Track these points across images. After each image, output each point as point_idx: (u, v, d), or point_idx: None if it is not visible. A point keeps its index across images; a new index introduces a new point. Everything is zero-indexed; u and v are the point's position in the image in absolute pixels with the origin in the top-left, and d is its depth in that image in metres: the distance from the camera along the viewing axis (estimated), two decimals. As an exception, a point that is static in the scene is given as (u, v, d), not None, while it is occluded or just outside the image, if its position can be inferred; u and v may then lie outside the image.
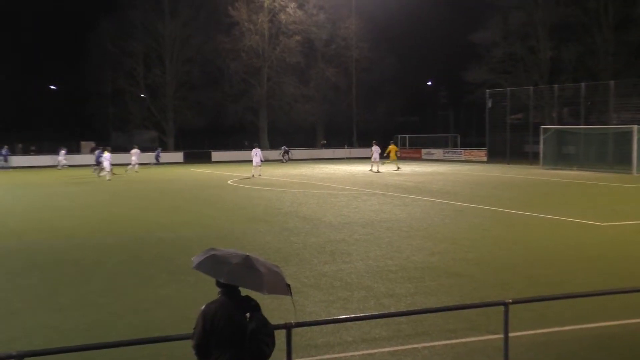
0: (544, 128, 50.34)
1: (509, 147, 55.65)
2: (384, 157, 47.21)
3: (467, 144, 67.59)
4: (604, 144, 48.15)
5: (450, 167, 51.14)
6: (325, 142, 74.95)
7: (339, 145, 71.18)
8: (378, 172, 44.30)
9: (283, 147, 61.61)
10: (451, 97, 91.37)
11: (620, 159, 44.70)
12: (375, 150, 46.28)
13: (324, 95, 73.28)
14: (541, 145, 49.43)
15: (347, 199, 27.59)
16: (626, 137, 43.66)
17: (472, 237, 17.87)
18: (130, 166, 47.09)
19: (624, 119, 51.89)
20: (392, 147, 47.31)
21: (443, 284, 12.56)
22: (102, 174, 41.41)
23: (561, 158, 48.94)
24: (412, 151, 66.28)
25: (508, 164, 53.26)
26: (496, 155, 56.14)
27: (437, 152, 64.31)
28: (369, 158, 48.38)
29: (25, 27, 76.88)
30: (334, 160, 63.52)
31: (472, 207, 24.81)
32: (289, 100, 70.72)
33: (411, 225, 20.09)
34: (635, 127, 42.86)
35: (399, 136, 70.51)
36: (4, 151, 55.27)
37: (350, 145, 72.20)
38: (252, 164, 42.14)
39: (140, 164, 49.00)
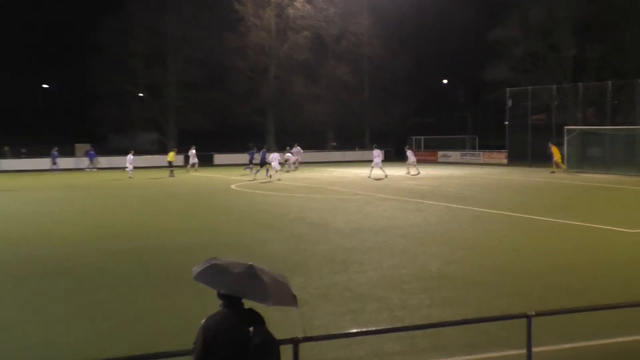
0: (567, 129, 50.13)
1: (531, 149, 55.43)
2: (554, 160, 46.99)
3: (485, 146, 67.36)
4: (632, 145, 47.82)
5: (467, 170, 50.99)
6: (335, 144, 74.84)
7: (350, 147, 71.05)
8: (418, 174, 44.82)
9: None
10: (469, 97, 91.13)
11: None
12: (411, 154, 46.66)
13: (334, 94, 73.17)
14: (565, 147, 49.22)
15: (358, 205, 27.52)
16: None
17: (491, 244, 17.77)
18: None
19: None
20: (555, 149, 47.28)
21: (460, 295, 12.47)
22: (269, 173, 43.46)
23: (586, 161, 48.71)
24: (427, 154, 66.08)
25: (529, 166, 53.01)
26: (517, 158, 55.93)
27: (454, 155, 64.13)
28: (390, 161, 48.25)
29: (22, 26, 77.16)
30: (345, 163, 63.41)
31: (491, 212, 24.70)
32: (298, 100, 70.58)
33: (426, 231, 20.02)
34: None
35: (414, 138, 70.29)
36: (54, 152, 54.68)
37: (362, 147, 72.10)
38: (371, 164, 43.84)
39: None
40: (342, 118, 75.11)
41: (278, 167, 43.47)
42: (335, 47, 72.99)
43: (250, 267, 5.32)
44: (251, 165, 46.87)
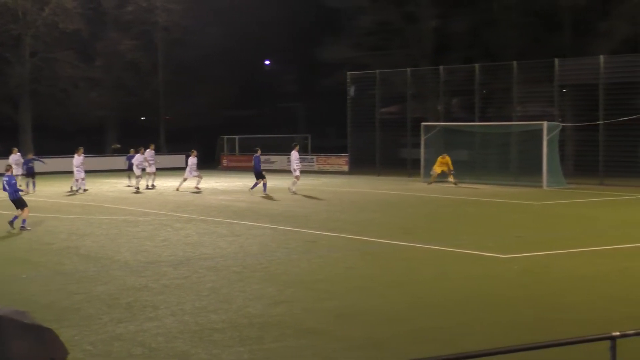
0: (425, 126, 51.76)
1: (380, 153, 56.84)
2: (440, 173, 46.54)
3: (321, 148, 68.58)
4: (506, 147, 50.15)
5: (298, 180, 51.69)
6: (119, 146, 73.71)
7: (140, 150, 70.22)
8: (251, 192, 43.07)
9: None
10: (300, 83, 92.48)
11: (526, 168, 46.77)
12: (262, 161, 45.77)
13: (116, 78, 72.11)
14: (422, 150, 50.80)
15: (151, 228, 27.34)
16: (534, 137, 45.71)
17: (331, 279, 18.06)
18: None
19: (532, 113, 54.42)
20: (443, 160, 46.65)
21: (291, 346, 12.57)
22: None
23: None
24: (244, 158, 66.42)
25: (378, 175, 54.39)
26: (362, 164, 57.21)
27: (280, 160, 64.81)
28: (184, 169, 47.83)
29: None
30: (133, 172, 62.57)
31: (331, 236, 25.14)
32: (65, 86, 69.02)
33: (244, 263, 20.09)
34: (545, 123, 44.94)
35: (226, 137, 70.44)
36: None
37: (156, 150, 71.46)
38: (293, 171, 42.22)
39: None
40: (128, 110, 74.17)
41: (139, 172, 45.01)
42: (117, 14, 71.93)
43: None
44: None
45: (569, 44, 55.23)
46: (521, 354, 8.62)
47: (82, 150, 44.01)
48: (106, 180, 51.76)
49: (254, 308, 15.16)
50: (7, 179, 27.04)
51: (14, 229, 26.63)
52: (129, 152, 50.89)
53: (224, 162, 68.69)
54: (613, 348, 8.07)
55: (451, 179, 46.30)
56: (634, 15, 51.16)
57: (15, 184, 27.70)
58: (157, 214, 31.78)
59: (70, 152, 47.16)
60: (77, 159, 43.06)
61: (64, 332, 13.00)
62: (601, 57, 46.55)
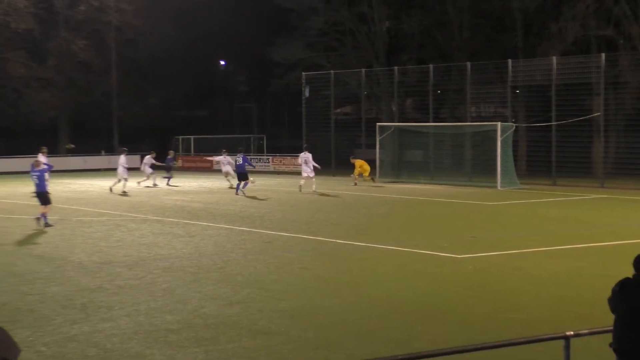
0: (380, 126, 51.95)
1: (335, 153, 56.94)
2: (360, 176, 46.87)
3: (276, 149, 68.61)
4: (460, 147, 50.42)
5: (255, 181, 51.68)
6: (72, 146, 73.22)
7: (93, 150, 69.78)
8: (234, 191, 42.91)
9: None
10: (254, 84, 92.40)
11: (481, 168, 47.11)
12: (226, 161, 46.22)
13: (68, 78, 71.51)
14: (377, 150, 50.98)
15: (106, 229, 27.19)
16: (488, 138, 46.06)
17: (286, 279, 18.09)
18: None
19: (485, 114, 54.87)
20: (359, 163, 47.04)
21: (246, 347, 12.59)
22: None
23: (405, 167, 50.76)
24: (198, 159, 66.26)
25: (334, 175, 54.43)
26: (317, 164, 57.21)
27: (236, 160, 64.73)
28: (138, 169, 47.62)
29: None
30: (86, 172, 62.22)
31: (286, 236, 25.16)
32: (17, 86, 68.43)
33: (199, 264, 20.06)
34: (499, 124, 45.27)
35: (181, 137, 70.14)
36: None
37: (110, 150, 71.00)
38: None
39: None
40: (81, 110, 73.59)
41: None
42: (69, 14, 71.32)
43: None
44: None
45: (521, 45, 55.74)
46: (476, 354, 8.71)
47: (45, 149, 42.98)
48: (59, 181, 51.25)
49: (209, 309, 15.14)
50: (38, 173, 28.22)
51: (50, 225, 27.68)
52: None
53: (179, 162, 68.46)
54: (567, 347, 8.16)
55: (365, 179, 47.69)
56: (584, 17, 51.64)
57: (44, 178, 28.78)
58: (112, 215, 31.60)
59: (21, 152, 46.65)
60: (43, 159, 42.07)
61: (18, 333, 12.91)
62: (553, 59, 47.04)
